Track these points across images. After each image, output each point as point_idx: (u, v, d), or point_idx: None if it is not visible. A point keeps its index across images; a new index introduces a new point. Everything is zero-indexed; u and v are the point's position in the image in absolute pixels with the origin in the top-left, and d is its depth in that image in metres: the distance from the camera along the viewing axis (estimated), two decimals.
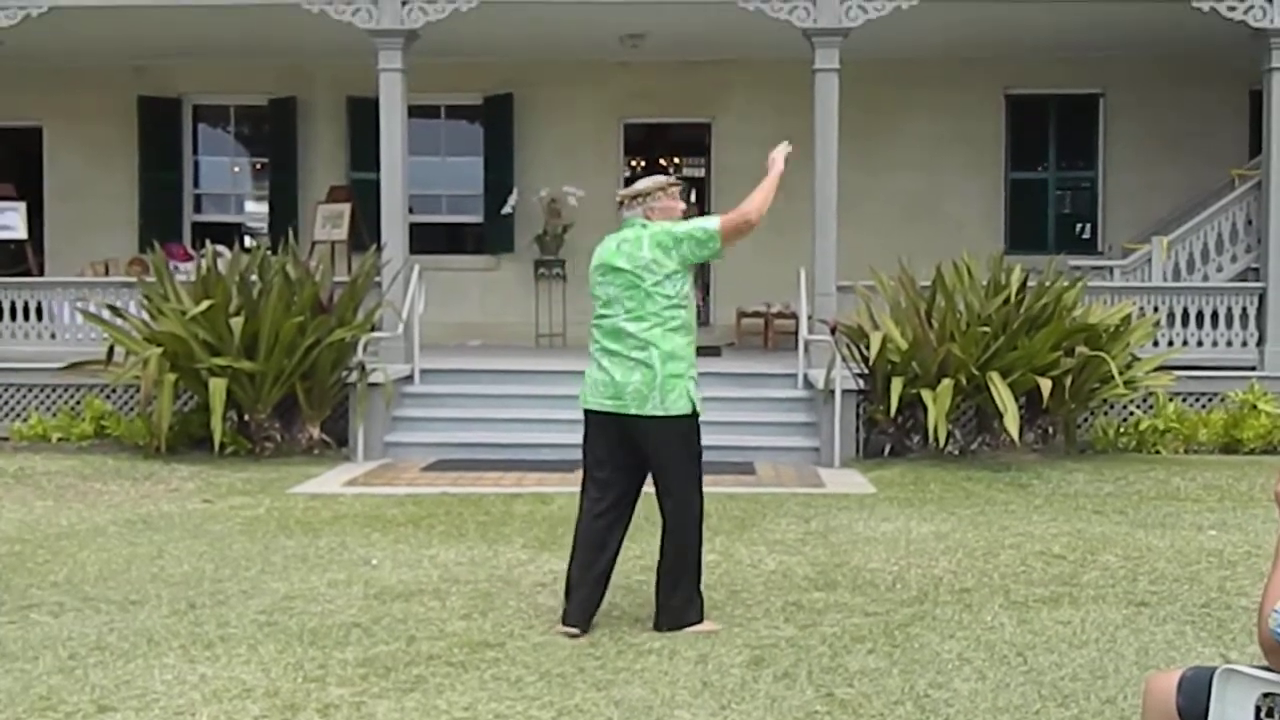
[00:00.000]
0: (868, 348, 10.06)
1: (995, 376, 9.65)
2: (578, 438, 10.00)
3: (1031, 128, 14.42)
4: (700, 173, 17.04)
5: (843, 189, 10.99)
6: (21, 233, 13.82)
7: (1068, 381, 9.92)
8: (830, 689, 4.49)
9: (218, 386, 9.68)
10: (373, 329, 10.67)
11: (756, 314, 13.68)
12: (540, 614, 5.52)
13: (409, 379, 10.89)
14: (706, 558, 6.58)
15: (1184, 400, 10.80)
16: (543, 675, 4.65)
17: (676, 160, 18.62)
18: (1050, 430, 10.33)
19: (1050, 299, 10.17)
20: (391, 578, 6.20)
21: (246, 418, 10.26)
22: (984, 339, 9.84)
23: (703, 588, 5.39)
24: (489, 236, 14.40)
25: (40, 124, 14.52)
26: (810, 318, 10.82)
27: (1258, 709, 2.51)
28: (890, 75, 13.57)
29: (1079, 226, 14.69)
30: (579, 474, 9.25)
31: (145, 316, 10.58)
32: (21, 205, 13.90)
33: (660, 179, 5.47)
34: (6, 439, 10.66)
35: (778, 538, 7.16)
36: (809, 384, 10.66)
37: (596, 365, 5.32)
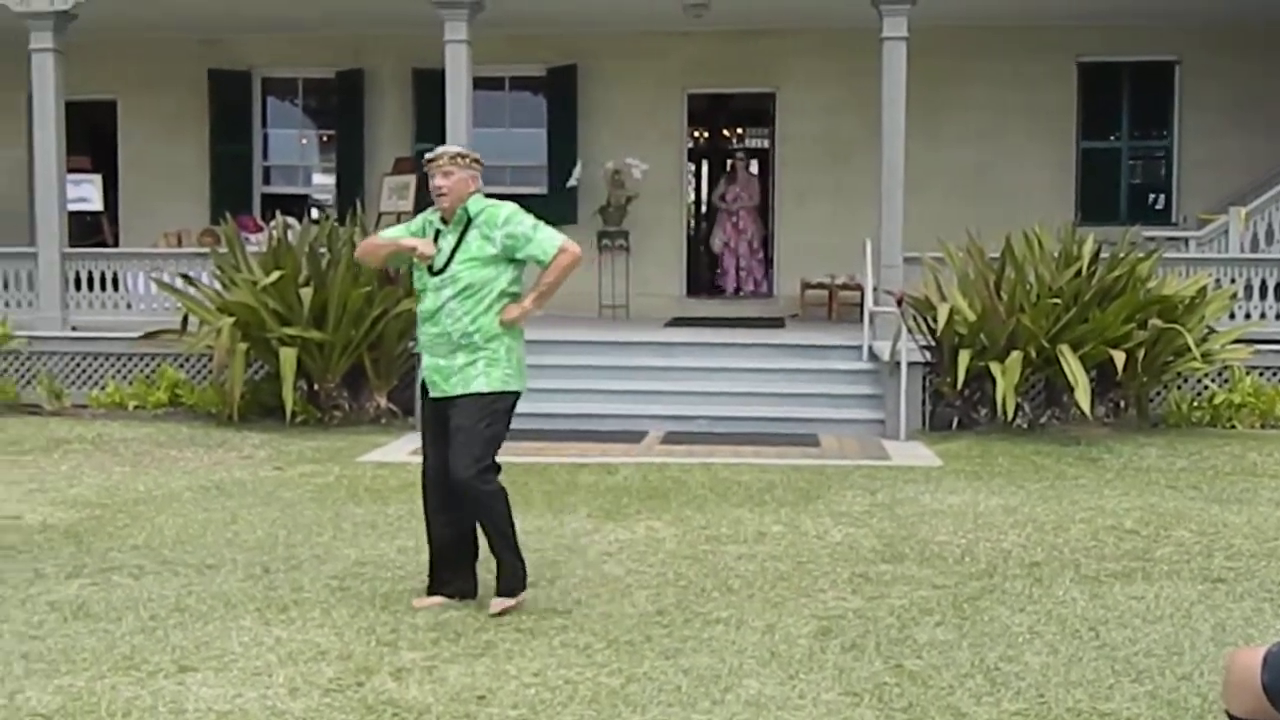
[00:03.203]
0: (934, 319, 9.97)
1: (1066, 349, 9.53)
2: (640, 409, 10.21)
3: (1104, 96, 14.15)
4: (764, 143, 16.97)
5: (908, 160, 10.87)
6: (97, 204, 14.09)
7: (1140, 355, 9.77)
8: (899, 660, 4.49)
9: (288, 356, 9.81)
10: None
11: (821, 285, 13.60)
12: (606, 582, 5.56)
13: None
14: (772, 528, 6.63)
15: (1261, 374, 10.59)
16: (610, 643, 4.69)
17: (739, 130, 18.57)
18: (1122, 404, 10.19)
19: (1124, 271, 10.02)
20: None
21: (315, 387, 10.39)
22: (1055, 311, 9.71)
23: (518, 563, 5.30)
24: (552, 208, 14.33)
25: (114, 97, 14.73)
26: (876, 289, 10.74)
27: None
28: (957, 44, 13.39)
29: (1152, 197, 14.43)
30: (644, 444, 9.32)
31: (218, 286, 10.74)
32: (97, 178, 14.17)
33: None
34: (85, 406, 10.89)
35: (843, 510, 7.14)
36: (874, 356, 10.59)
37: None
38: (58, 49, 11.62)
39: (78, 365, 11.42)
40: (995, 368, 9.57)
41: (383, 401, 10.49)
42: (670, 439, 9.61)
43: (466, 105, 11.14)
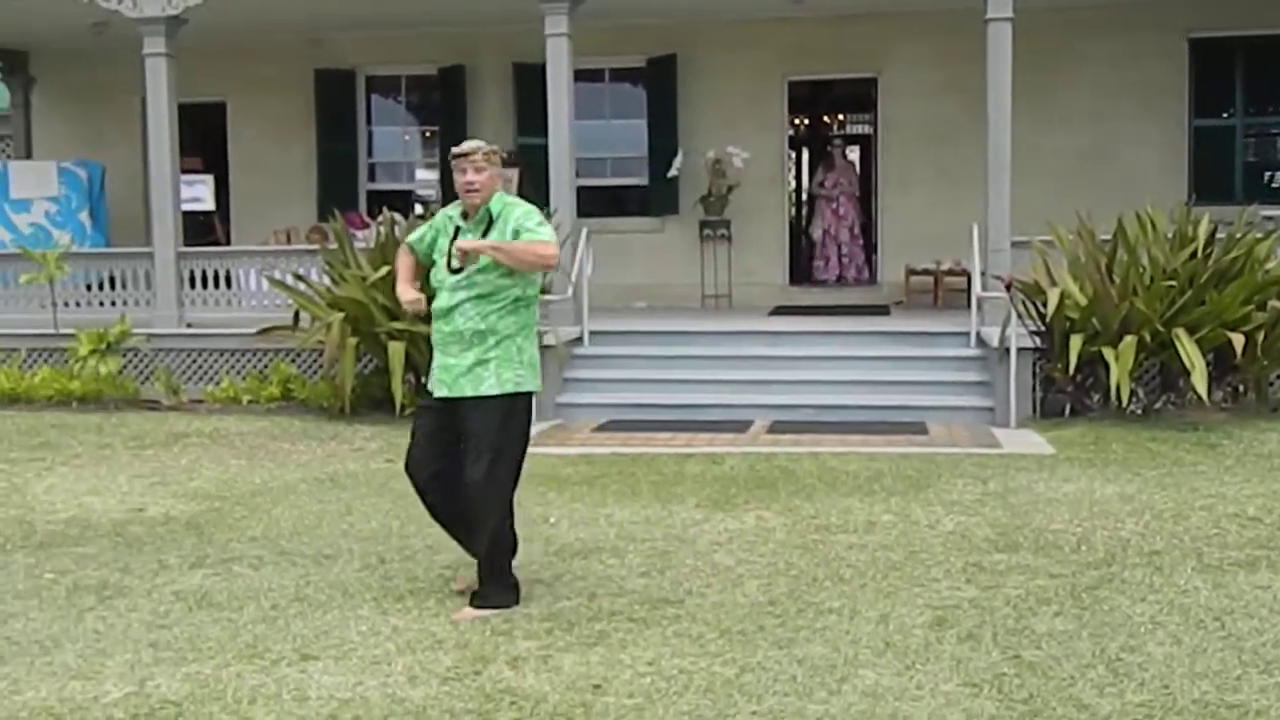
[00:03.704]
0: (1044, 304, 9.78)
1: (1181, 333, 9.28)
2: (746, 398, 10.18)
3: (1216, 72, 13.73)
4: (866, 129, 16.80)
5: (1014, 142, 10.66)
6: (209, 204, 14.46)
7: (1260, 337, 9.47)
8: (1017, 651, 4.42)
9: (397, 350, 9.96)
10: (544, 292, 10.80)
11: (926, 271, 13.42)
12: (718, 572, 5.56)
13: (579, 341, 11.02)
14: (882, 517, 6.57)
15: None
16: (723, 632, 4.69)
17: (840, 117, 18.40)
18: (1241, 388, 9.89)
19: (1241, 251, 9.72)
20: (570, 535, 6.32)
21: (423, 380, 10.53)
22: (1169, 294, 9.46)
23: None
24: (653, 198, 14.44)
25: (224, 99, 15.07)
26: (983, 274, 10.55)
27: None
28: (1062, 23, 13.10)
29: (1269, 175, 13.97)
30: (749, 434, 9.29)
31: (327, 282, 10.94)
32: (209, 178, 14.55)
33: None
34: (201, 401, 11.18)
35: (954, 498, 7.05)
36: (982, 342, 10.43)
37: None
38: (170, 53, 11.92)
39: (193, 361, 11.73)
40: (1108, 353, 9.35)
41: None
42: (776, 428, 9.57)
43: (568, 98, 11.19)
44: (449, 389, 5.09)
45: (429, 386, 5.26)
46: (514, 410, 5.11)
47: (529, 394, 5.18)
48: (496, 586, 5.10)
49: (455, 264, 5.07)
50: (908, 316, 12.09)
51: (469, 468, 5.03)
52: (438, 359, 5.17)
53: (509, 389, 5.06)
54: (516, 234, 5.01)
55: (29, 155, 15.35)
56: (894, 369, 10.50)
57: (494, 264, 5.00)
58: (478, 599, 5.08)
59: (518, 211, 5.09)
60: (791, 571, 5.55)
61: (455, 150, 5.14)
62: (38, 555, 6.07)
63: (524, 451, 5.21)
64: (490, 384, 5.04)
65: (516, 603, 5.09)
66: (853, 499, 7.05)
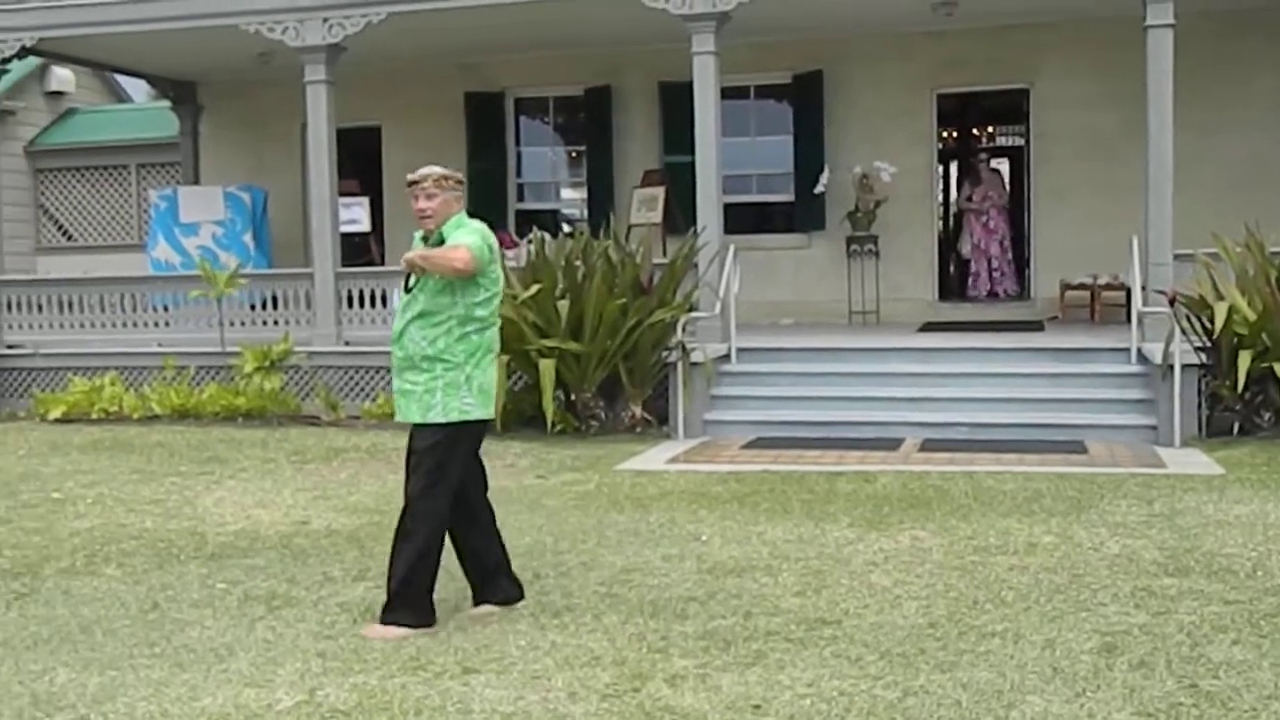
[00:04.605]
0: (1210, 319, 9.43)
1: None
2: (895, 416, 10.05)
3: None
4: (1017, 141, 16.45)
5: (1175, 151, 10.32)
6: (366, 226, 14.87)
7: None
8: (1193, 680, 4.25)
9: (547, 367, 10.09)
10: (691, 309, 10.86)
11: (1082, 286, 13.06)
12: (875, 593, 5.48)
13: (726, 358, 11.00)
14: (1043, 538, 6.40)
15: None
16: (883, 654, 4.61)
17: (990, 129, 18.06)
18: None
19: None
20: (722, 553, 6.30)
21: (572, 397, 10.65)
22: None
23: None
24: (800, 215, 14.36)
25: (379, 123, 15.50)
26: (1144, 288, 10.23)
27: None
28: (1224, 28, 12.65)
29: None
30: (901, 452, 9.15)
31: None
32: (365, 200, 14.95)
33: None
34: (358, 417, 11.48)
35: (1119, 520, 6.83)
36: (1143, 358, 10.09)
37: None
38: (329, 80, 12.33)
39: (351, 378, 12.06)
40: None
41: (638, 410, 10.66)
42: (929, 446, 9.41)
43: (715, 115, 11.21)
44: (402, 414, 5.19)
45: None
46: (459, 437, 5.14)
47: (478, 422, 5.20)
48: (409, 605, 5.09)
49: (409, 283, 5.15)
50: (1063, 332, 11.77)
51: (409, 485, 5.15)
52: (394, 383, 5.26)
53: (454, 418, 5.08)
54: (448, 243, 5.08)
55: (197, 181, 16.02)
56: (1050, 386, 10.23)
57: (431, 280, 5.04)
58: (388, 615, 5.09)
59: (459, 230, 5.11)
60: (951, 593, 5.44)
61: (408, 178, 5.20)
62: (210, 566, 6.30)
63: (456, 482, 5.20)
64: (436, 412, 5.08)
65: (431, 624, 5.08)
66: (1011, 519, 6.88)
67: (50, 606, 5.59)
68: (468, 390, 5.10)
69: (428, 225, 5.15)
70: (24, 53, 13.37)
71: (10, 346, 13.28)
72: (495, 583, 5.42)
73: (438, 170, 5.17)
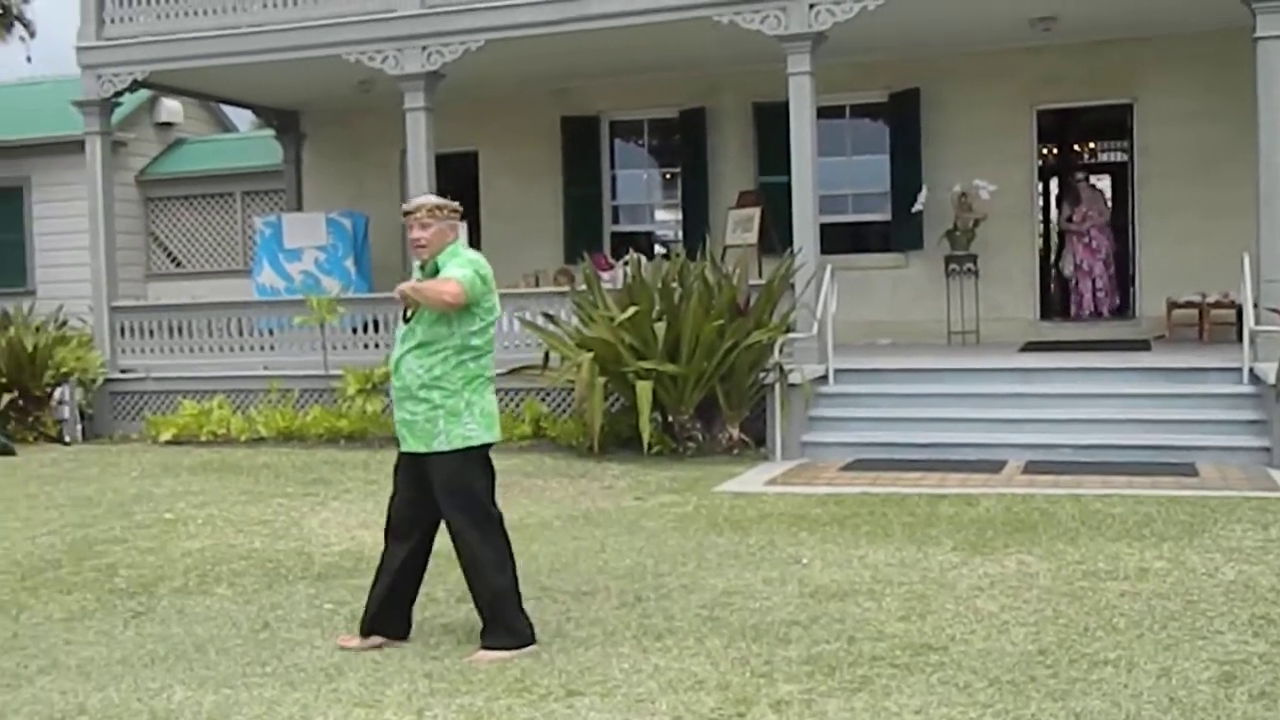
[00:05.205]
0: None
1: None
2: (997, 437, 9.91)
3: None
4: (1119, 157, 16.14)
5: None
6: None
7: None
8: None
9: (644, 389, 10.12)
10: (788, 330, 10.82)
11: (1190, 304, 12.74)
12: (981, 619, 5.39)
13: (823, 379, 10.93)
14: (1155, 563, 6.25)
15: None
16: (992, 681, 4.54)
17: (1091, 145, 17.73)
18: None
19: None
20: (823, 577, 6.25)
21: (670, 418, 10.67)
22: None
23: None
24: (896, 234, 14.24)
25: (476, 149, 15.71)
26: (1256, 306, 9.96)
27: None
28: None
29: None
30: (1004, 474, 9.00)
31: (576, 323, 11.23)
32: (463, 225, 15.13)
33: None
34: None
35: (1233, 545, 6.64)
36: (1256, 378, 9.81)
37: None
38: (428, 107, 12.54)
39: None
40: None
41: (735, 432, 10.64)
42: (1032, 468, 9.25)
43: (811, 135, 11.19)
44: (405, 443, 5.24)
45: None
46: (468, 462, 5.15)
47: (483, 445, 5.20)
48: (503, 630, 5.12)
49: (406, 313, 5.19)
50: (1171, 351, 11.50)
51: (449, 523, 5.18)
52: (395, 413, 5.29)
53: (458, 445, 5.11)
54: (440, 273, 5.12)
55: (300, 207, 16.38)
56: (1158, 407, 10.00)
57: (427, 311, 5.09)
58: (487, 640, 5.12)
59: (453, 260, 5.15)
60: (1060, 620, 5.33)
61: (404, 208, 5.25)
62: (317, 586, 6.41)
63: (490, 497, 5.25)
64: (441, 441, 5.11)
65: (531, 642, 5.11)
66: (1121, 544, 6.73)
67: (166, 625, 5.73)
68: (469, 416, 5.15)
69: (422, 255, 5.23)
70: (136, 86, 13.83)
71: (123, 370, 13.68)
72: (393, 614, 5.35)
73: (432, 200, 5.27)
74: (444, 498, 5.15)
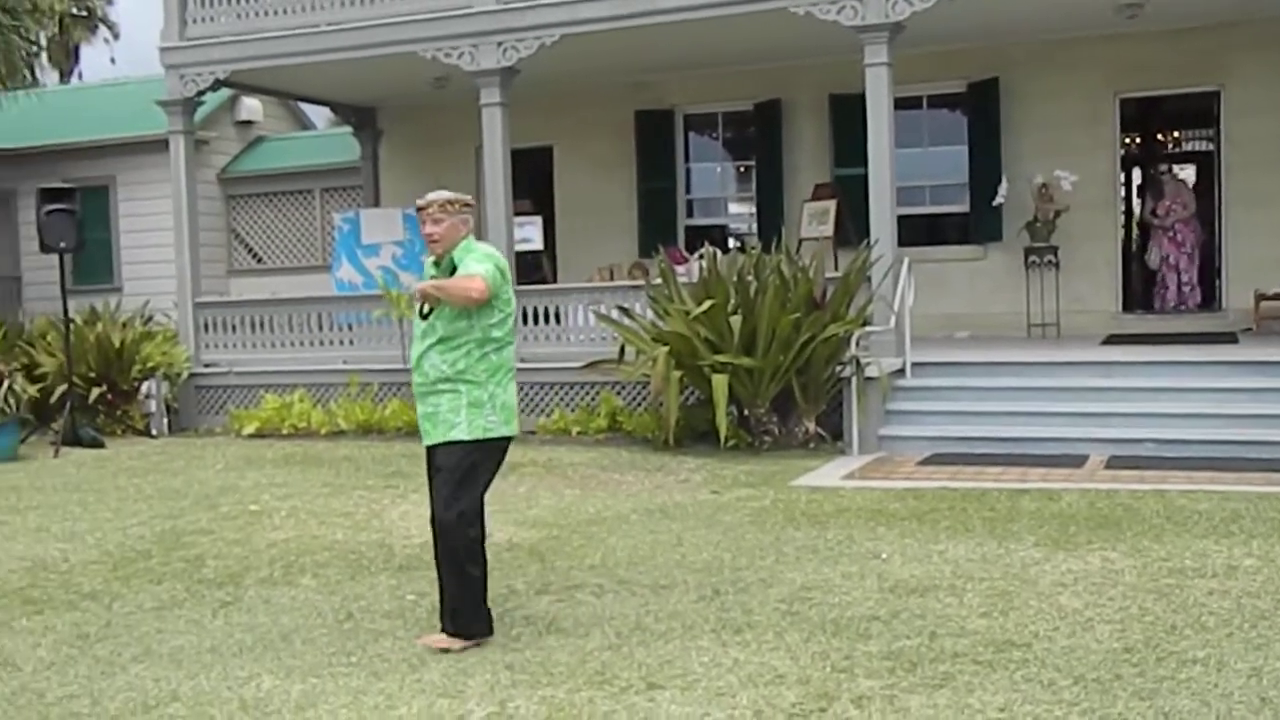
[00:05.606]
0: None
1: None
2: (1079, 432, 9.77)
3: None
4: (1205, 145, 15.80)
5: None
6: (539, 244, 15.15)
7: None
8: None
9: (720, 382, 10.11)
10: (865, 323, 10.75)
11: (1278, 296, 12.45)
12: (1065, 615, 5.32)
13: (900, 372, 10.84)
14: (1244, 561, 6.13)
15: None
16: (1076, 679, 4.48)
17: (1176, 134, 17.38)
18: None
19: None
20: (903, 572, 6.21)
21: (745, 412, 10.64)
22: None
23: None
24: (975, 225, 14.08)
25: (550, 144, 15.78)
26: None
27: None
28: None
29: None
30: (1086, 469, 8.87)
31: (651, 317, 11.24)
32: (538, 219, 15.25)
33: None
34: (533, 433, 11.69)
35: None
36: None
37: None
38: (504, 103, 12.61)
39: (526, 394, 12.26)
40: None
41: (811, 426, 10.59)
42: (1115, 463, 9.10)
43: (888, 127, 11.08)
44: (427, 437, 5.26)
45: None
46: (483, 453, 5.18)
47: (502, 439, 5.23)
48: (470, 616, 5.19)
49: (424, 310, 5.20)
50: (1260, 345, 11.24)
51: (435, 503, 5.19)
52: (418, 407, 5.30)
53: (477, 435, 5.13)
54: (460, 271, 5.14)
55: (377, 203, 16.56)
56: (1247, 401, 9.78)
57: (447, 306, 5.11)
58: (450, 625, 5.19)
59: (469, 255, 5.17)
60: (1146, 617, 5.25)
61: (417, 203, 5.27)
62: (398, 577, 6.50)
63: (485, 490, 5.29)
64: (460, 430, 5.13)
65: (489, 633, 5.20)
66: (1208, 541, 6.61)
67: (252, 615, 5.85)
68: (491, 409, 5.19)
69: (435, 250, 5.28)
70: (217, 85, 14.07)
71: (207, 365, 13.94)
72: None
73: (444, 195, 5.29)
74: (445, 474, 5.20)
